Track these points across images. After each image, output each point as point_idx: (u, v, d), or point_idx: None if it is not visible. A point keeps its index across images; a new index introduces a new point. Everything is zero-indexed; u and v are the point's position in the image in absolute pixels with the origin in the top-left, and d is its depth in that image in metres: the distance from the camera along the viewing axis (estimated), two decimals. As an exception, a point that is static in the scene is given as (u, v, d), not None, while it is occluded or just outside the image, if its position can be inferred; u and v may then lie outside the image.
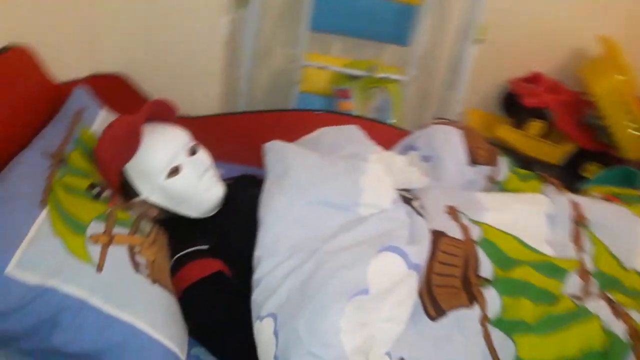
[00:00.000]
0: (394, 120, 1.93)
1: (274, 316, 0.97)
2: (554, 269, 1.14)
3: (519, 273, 1.10)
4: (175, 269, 1.13)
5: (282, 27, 1.97)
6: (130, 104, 1.70)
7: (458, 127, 1.57)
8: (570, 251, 1.20)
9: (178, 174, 1.16)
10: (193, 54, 1.77)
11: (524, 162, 2.13)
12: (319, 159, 1.27)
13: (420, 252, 1.07)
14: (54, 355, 0.96)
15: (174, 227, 1.24)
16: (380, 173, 1.26)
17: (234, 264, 1.14)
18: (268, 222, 1.11)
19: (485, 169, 1.49)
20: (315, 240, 1.09)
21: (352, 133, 1.45)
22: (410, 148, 1.59)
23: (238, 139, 1.77)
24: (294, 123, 1.75)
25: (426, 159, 1.53)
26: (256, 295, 1.02)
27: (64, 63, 1.55)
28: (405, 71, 1.97)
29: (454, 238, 1.17)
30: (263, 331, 0.97)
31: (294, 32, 1.85)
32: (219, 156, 1.78)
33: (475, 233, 1.19)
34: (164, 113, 1.23)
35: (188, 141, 1.21)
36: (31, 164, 1.12)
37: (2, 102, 1.21)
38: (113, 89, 1.70)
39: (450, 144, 1.52)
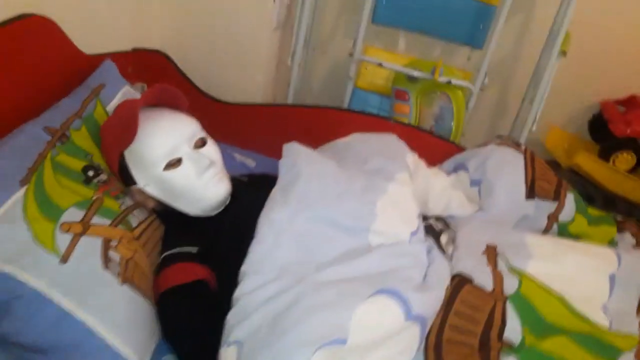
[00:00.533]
0: (452, 133, 1.71)
1: (240, 345, 0.85)
2: (603, 346, 0.92)
3: (553, 344, 0.89)
4: (160, 267, 1.03)
5: (345, 15, 1.80)
6: (169, 82, 1.63)
7: (520, 151, 1.33)
8: (632, 326, 0.97)
9: (178, 166, 1.05)
10: (240, 37, 1.66)
11: (604, 199, 1.83)
12: (336, 170, 1.10)
13: (429, 301, 0.89)
14: (6, 344, 0.89)
15: (170, 221, 1.14)
16: (404, 196, 1.07)
17: (221, 274, 1.01)
18: (262, 234, 0.98)
19: (546, 205, 1.26)
20: (308, 265, 0.94)
21: (388, 143, 1.27)
22: (460, 167, 1.38)
23: (276, 131, 1.64)
24: (336, 123, 1.59)
25: (475, 183, 1.32)
26: (230, 316, 0.90)
27: (108, 35, 1.50)
28: (474, 78, 1.73)
29: (481, 288, 0.97)
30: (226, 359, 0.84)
31: (357, 22, 1.68)
32: (255, 147, 1.68)
33: (510, 284, 0.99)
34: (175, 100, 1.12)
35: (195, 132, 1.09)
36: (29, 137, 1.05)
37: (19, 68, 1.17)
38: (153, 66, 1.63)
39: (507, 170, 1.30)
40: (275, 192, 1.06)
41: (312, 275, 0.91)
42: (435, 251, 1.02)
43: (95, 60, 1.39)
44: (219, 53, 1.67)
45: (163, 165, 1.04)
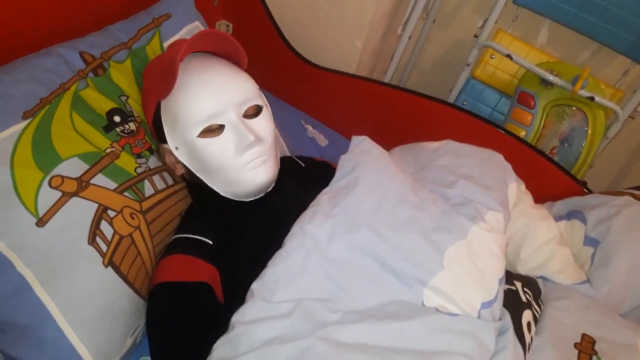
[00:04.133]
0: (578, 161, 1.34)
1: None
2: None
3: None
4: (167, 249, 0.84)
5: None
6: (257, 29, 1.42)
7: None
8: None
9: (216, 135, 0.83)
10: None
11: None
12: (407, 188, 0.84)
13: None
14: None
15: (198, 196, 0.95)
16: (488, 248, 0.79)
17: (233, 279, 0.81)
18: (290, 248, 0.76)
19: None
20: (334, 307, 0.71)
21: (489, 165, 0.97)
22: (576, 215, 1.06)
23: (361, 111, 1.38)
24: (434, 117, 1.30)
25: (591, 242, 1.00)
26: (218, 345, 0.69)
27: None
28: (625, 100, 1.34)
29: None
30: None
31: (493, -1, 1.34)
32: (333, 123, 1.44)
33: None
34: (234, 52, 0.90)
35: (250, 98, 0.86)
36: (58, 61, 0.89)
37: None
38: (243, 5, 1.41)
39: (639, 238, 0.96)
40: (323, 196, 0.82)
41: (335, 327, 0.67)
42: (510, 336, 0.74)
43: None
44: (319, 3, 1.41)
45: (200, 129, 0.83)
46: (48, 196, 0.74)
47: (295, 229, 0.78)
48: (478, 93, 1.52)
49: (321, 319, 0.70)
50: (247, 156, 0.84)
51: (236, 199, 0.89)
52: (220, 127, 0.84)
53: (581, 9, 1.30)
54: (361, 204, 0.80)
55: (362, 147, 0.89)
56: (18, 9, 0.93)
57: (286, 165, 0.99)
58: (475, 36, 1.40)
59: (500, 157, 1.00)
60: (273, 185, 0.91)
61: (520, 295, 0.83)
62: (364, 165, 0.85)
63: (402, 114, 1.32)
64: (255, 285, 0.73)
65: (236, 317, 0.71)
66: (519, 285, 0.85)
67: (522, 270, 0.97)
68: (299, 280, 0.73)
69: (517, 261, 0.98)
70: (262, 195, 0.90)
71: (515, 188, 1.00)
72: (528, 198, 1.04)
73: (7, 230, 0.71)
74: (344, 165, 0.87)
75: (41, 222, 0.73)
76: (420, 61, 1.63)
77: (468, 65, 1.46)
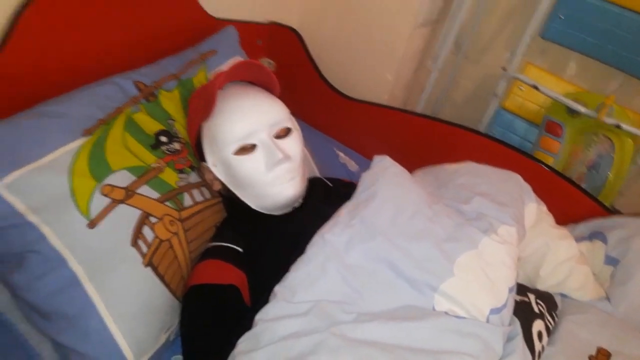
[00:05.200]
0: (605, 189, 1.35)
1: None
2: None
3: None
4: (202, 256, 0.93)
5: (511, 22, 1.52)
6: (296, 65, 1.53)
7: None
8: None
9: (249, 153, 0.93)
10: (378, 28, 1.48)
11: None
12: (421, 201, 0.89)
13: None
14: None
15: (232, 209, 1.04)
16: (498, 258, 0.83)
17: (259, 283, 0.88)
18: (310, 254, 0.82)
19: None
20: (349, 308, 0.76)
21: (506, 184, 1.01)
22: (598, 236, 1.08)
23: (391, 138, 1.45)
24: (462, 144, 1.35)
25: (611, 261, 1.01)
26: (242, 340, 0.75)
27: (248, 4, 1.44)
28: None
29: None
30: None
31: (521, 32, 1.40)
32: (363, 150, 1.51)
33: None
34: (267, 80, 1.00)
35: (280, 120, 0.96)
36: (116, 88, 1.01)
37: (143, 16, 1.15)
38: (283, 43, 1.54)
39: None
40: (344, 209, 0.89)
41: (348, 325, 0.73)
42: (519, 341, 0.77)
43: (221, 25, 1.34)
44: (353, 41, 1.51)
45: (235, 148, 0.93)
46: (99, 202, 0.85)
47: (316, 237, 0.84)
48: (507, 123, 1.56)
49: (336, 318, 0.75)
50: (276, 172, 0.93)
51: (265, 212, 0.97)
52: (253, 146, 0.93)
53: (608, 41, 1.33)
54: (378, 215, 0.86)
55: (382, 165, 0.96)
56: (83, 47, 1.07)
57: (314, 184, 1.06)
58: (504, 69, 1.46)
59: (519, 177, 1.04)
60: (300, 202, 0.99)
61: (533, 306, 0.86)
62: (383, 180, 0.91)
63: (431, 141, 1.38)
64: (277, 288, 0.80)
65: (259, 316, 0.78)
66: (532, 297, 0.88)
67: (541, 287, 0.99)
68: (318, 284, 0.79)
69: (536, 279, 1.00)
70: (289, 210, 0.98)
71: (535, 208, 1.03)
72: (549, 218, 1.06)
73: (63, 230, 0.81)
74: (365, 180, 0.94)
75: (92, 225, 0.83)
76: (451, 93, 1.69)
77: (497, 96, 1.51)
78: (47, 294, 0.79)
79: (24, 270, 0.80)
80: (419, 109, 1.64)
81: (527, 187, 1.04)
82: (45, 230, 0.80)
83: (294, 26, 1.52)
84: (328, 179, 1.17)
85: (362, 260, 0.81)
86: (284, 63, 1.57)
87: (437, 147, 1.39)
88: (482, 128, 1.58)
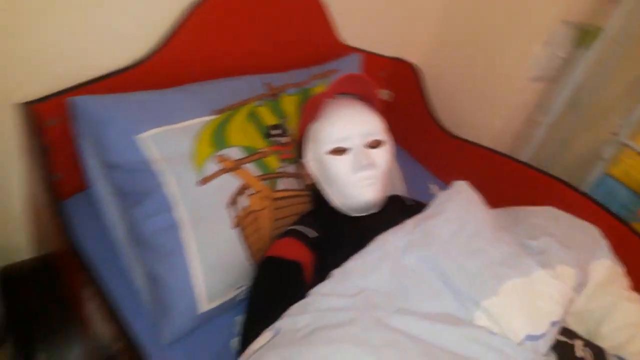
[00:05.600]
0: None
1: (276, 332, 0.81)
2: None
3: None
4: (282, 233, 1.07)
5: (627, 90, 1.49)
6: (409, 94, 1.64)
7: None
8: None
9: (340, 155, 1.06)
10: (494, 76, 1.55)
11: None
12: (487, 227, 0.95)
13: None
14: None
15: (317, 203, 1.17)
16: (547, 291, 0.85)
17: (321, 273, 0.99)
18: (369, 249, 0.92)
19: None
20: (391, 302, 0.84)
21: (580, 231, 1.02)
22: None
23: (486, 181, 1.49)
24: (560, 200, 1.35)
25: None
26: (291, 308, 0.86)
27: (377, 36, 1.60)
28: None
29: None
30: (258, 341, 0.83)
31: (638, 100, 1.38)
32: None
33: None
34: (370, 94, 1.14)
35: (373, 132, 1.08)
36: (247, 85, 1.21)
37: (284, 38, 1.36)
38: (402, 77, 1.66)
39: None
40: (411, 220, 0.98)
41: (385, 313, 0.81)
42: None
43: (349, 51, 1.51)
44: (468, 83, 1.60)
45: (329, 148, 1.07)
46: (211, 166, 1.03)
47: (380, 237, 0.94)
48: (610, 189, 1.52)
49: (378, 306, 0.83)
50: (359, 175, 1.05)
51: (344, 209, 1.09)
52: (345, 150, 1.06)
53: None
54: (440, 228, 0.93)
55: (459, 188, 1.03)
56: (230, 49, 1.28)
57: (394, 199, 1.16)
58: (615, 134, 1.44)
59: (597, 231, 1.04)
60: (378, 209, 1.09)
61: (575, 350, 0.86)
62: (454, 200, 0.98)
63: (530, 190, 1.40)
64: (335, 271, 0.90)
65: (313, 290, 0.89)
66: (579, 343, 0.88)
67: (603, 343, 0.97)
68: (370, 274, 0.88)
69: (597, 336, 0.99)
70: (366, 213, 1.09)
71: (608, 265, 1.02)
72: (623, 280, 1.04)
73: (178, 182, 1.00)
74: (438, 198, 1.02)
75: (202, 182, 1.01)
76: (557, 149, 1.68)
77: (603, 160, 1.49)
78: (154, 230, 0.97)
79: (142, 207, 0.98)
80: (522, 159, 1.66)
81: (603, 243, 1.03)
82: (166, 178, 0.99)
83: (416, 62, 1.65)
84: (410, 199, 1.26)
85: (415, 264, 0.89)
86: (400, 94, 1.70)
87: (534, 197, 1.41)
88: (582, 189, 1.56)
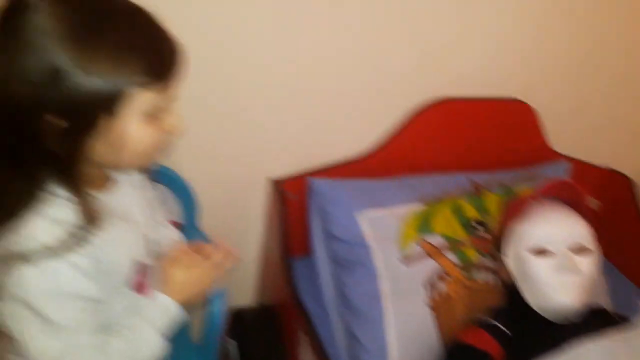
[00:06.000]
0: None
1: None
2: None
3: None
4: (474, 322, 1.12)
5: None
6: (621, 206, 1.57)
7: None
8: None
9: (542, 256, 1.09)
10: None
11: None
12: None
13: None
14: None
15: (511, 300, 1.18)
16: None
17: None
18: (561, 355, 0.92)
19: None
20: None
21: None
22: None
23: None
24: None
25: None
26: None
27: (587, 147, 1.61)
28: None
29: None
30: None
31: None
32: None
33: None
34: (577, 199, 1.15)
35: (579, 238, 1.09)
36: (455, 180, 1.34)
37: (493, 140, 1.47)
38: (613, 185, 1.60)
39: None
40: (615, 331, 0.95)
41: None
42: None
43: (557, 157, 1.53)
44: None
45: (532, 248, 1.09)
46: (414, 248, 1.16)
47: (576, 345, 0.93)
48: None
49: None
50: (562, 278, 1.05)
51: (541, 312, 1.09)
52: (549, 252, 1.08)
53: None
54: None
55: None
56: (443, 149, 1.43)
57: (598, 312, 1.12)
58: None
59: None
60: (578, 319, 1.07)
61: None
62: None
63: None
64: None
65: None
66: None
67: None
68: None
69: None
70: (563, 321, 1.07)
71: None
72: None
73: (385, 257, 1.14)
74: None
75: (405, 261, 1.14)
76: None
77: None
78: (360, 296, 1.13)
79: (352, 274, 1.15)
80: None
81: None
82: (375, 253, 1.15)
83: (631, 174, 1.58)
84: (615, 314, 1.19)
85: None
86: (611, 205, 1.62)
87: None
88: None
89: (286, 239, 1.17)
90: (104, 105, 0.60)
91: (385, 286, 1.11)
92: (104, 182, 0.74)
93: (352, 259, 1.17)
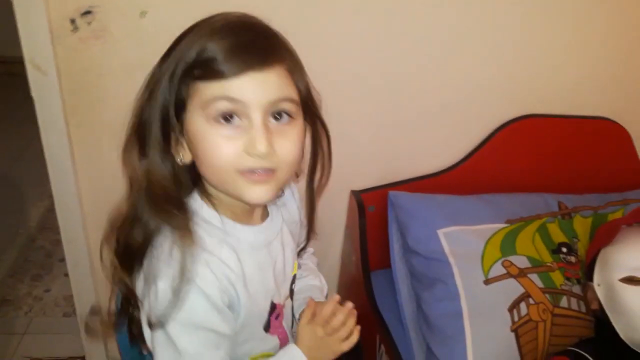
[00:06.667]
0: None
1: None
2: None
3: None
4: (560, 352, 1.08)
5: None
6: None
7: None
8: None
9: (636, 285, 1.04)
10: None
11: None
12: None
13: None
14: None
15: (600, 331, 1.13)
16: None
17: None
18: None
19: None
20: None
21: None
22: None
23: None
24: None
25: None
26: None
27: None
28: None
29: None
30: None
31: None
32: None
33: None
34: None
35: None
36: (542, 201, 1.30)
37: (582, 160, 1.41)
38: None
39: None
40: None
41: None
42: None
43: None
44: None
45: (624, 276, 1.04)
46: (498, 269, 1.13)
47: None
48: None
49: None
50: None
51: (630, 346, 1.04)
52: None
53: None
54: None
55: None
56: (530, 168, 1.39)
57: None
58: None
59: None
60: None
61: None
62: None
63: None
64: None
65: None
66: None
67: None
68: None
69: None
70: None
71: None
72: None
73: (466, 277, 1.12)
74: None
75: (487, 282, 1.11)
76: None
77: None
78: (439, 314, 1.11)
79: (431, 292, 1.14)
80: None
81: None
82: (456, 271, 1.13)
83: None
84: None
85: None
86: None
87: None
88: None
89: (366, 251, 1.18)
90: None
91: (465, 306, 1.10)
92: (250, 214, 0.76)
93: (432, 276, 1.16)
